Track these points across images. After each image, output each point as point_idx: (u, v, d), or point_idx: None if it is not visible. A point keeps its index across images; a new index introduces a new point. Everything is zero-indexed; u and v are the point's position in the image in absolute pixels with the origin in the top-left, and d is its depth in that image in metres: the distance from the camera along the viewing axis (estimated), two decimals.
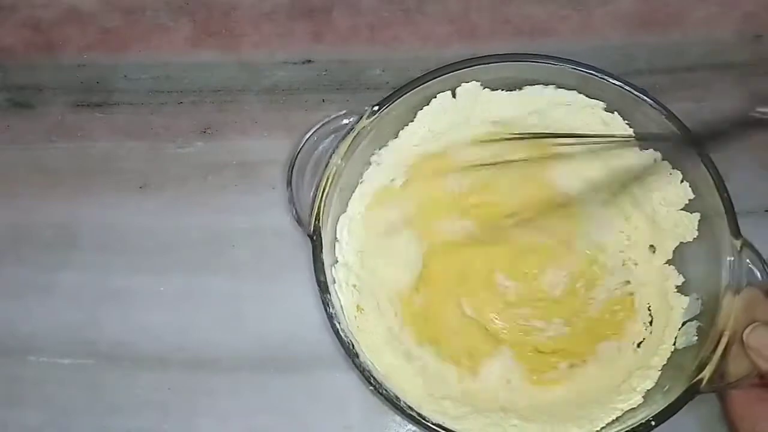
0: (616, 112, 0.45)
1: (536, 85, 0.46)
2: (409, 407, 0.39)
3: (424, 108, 0.46)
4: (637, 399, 0.41)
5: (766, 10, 0.53)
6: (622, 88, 0.43)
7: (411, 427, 0.44)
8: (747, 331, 0.38)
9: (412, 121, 0.46)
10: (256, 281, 0.48)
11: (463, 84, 0.45)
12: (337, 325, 0.40)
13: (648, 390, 0.41)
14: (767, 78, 0.51)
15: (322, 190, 0.42)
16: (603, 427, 0.40)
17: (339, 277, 0.43)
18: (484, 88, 0.46)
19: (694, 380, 0.37)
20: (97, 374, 0.46)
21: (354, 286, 0.44)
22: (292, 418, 0.45)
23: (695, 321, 0.41)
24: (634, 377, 0.42)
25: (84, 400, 0.45)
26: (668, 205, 0.44)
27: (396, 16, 0.54)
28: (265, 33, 0.54)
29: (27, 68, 0.54)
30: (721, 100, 0.51)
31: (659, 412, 0.37)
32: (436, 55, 0.52)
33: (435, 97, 0.45)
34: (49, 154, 0.51)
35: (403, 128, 0.46)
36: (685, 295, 0.43)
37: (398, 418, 0.44)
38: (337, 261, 0.44)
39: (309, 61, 0.53)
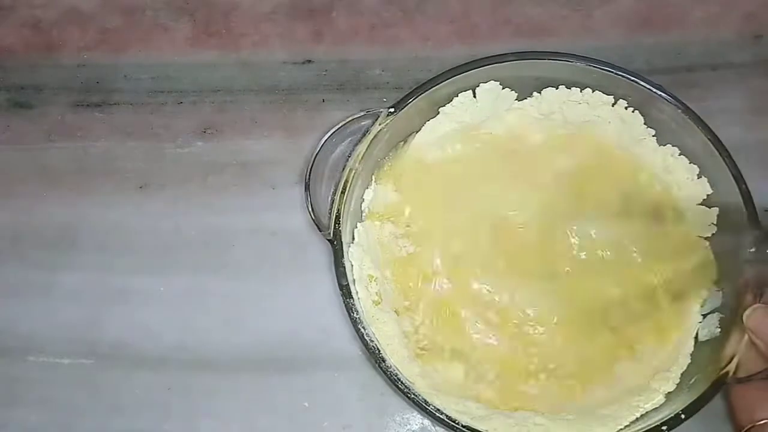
0: (636, 111, 0.45)
1: (550, 87, 0.46)
2: (438, 410, 0.38)
3: (441, 110, 0.45)
4: (660, 399, 0.40)
5: (765, 10, 0.53)
6: (639, 84, 0.43)
7: (411, 427, 0.44)
8: (747, 312, 0.38)
9: (429, 120, 0.46)
10: (256, 281, 0.47)
11: (481, 84, 0.45)
12: (362, 330, 0.39)
13: (669, 392, 0.41)
14: (767, 78, 0.51)
15: (341, 193, 0.41)
16: (627, 425, 0.40)
17: (354, 257, 0.42)
18: (503, 89, 0.45)
19: (721, 373, 0.37)
20: (97, 374, 0.46)
21: (370, 276, 0.43)
22: (292, 418, 0.44)
23: (717, 313, 0.41)
24: (656, 380, 0.41)
25: (84, 400, 0.45)
26: (686, 200, 0.44)
27: (396, 16, 0.54)
28: (265, 33, 0.54)
29: (27, 68, 0.54)
30: (721, 100, 0.51)
31: (688, 406, 0.37)
32: (436, 55, 0.52)
33: (449, 99, 0.45)
34: (49, 154, 0.51)
35: (416, 130, 0.46)
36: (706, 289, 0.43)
37: (398, 418, 0.44)
38: (350, 247, 0.43)
39: (309, 61, 0.53)
